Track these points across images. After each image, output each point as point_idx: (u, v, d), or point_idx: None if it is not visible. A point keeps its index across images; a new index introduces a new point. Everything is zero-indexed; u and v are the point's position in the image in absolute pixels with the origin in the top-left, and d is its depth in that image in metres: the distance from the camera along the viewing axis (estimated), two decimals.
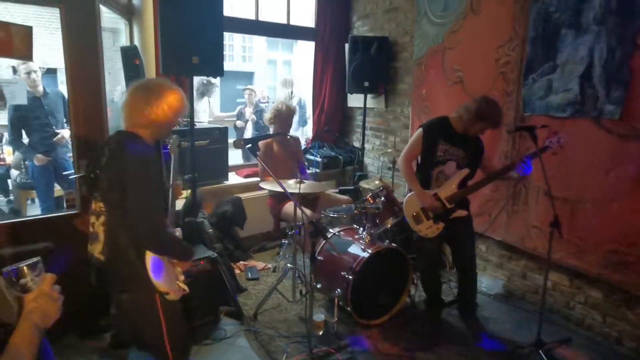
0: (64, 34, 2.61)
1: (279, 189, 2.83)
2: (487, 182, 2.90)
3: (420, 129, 2.88)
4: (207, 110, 6.02)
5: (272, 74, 16.07)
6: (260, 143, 3.83)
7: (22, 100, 3.18)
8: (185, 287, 1.96)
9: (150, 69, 3.48)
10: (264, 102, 6.56)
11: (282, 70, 15.92)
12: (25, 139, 4.06)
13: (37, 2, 2.76)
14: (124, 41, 3.73)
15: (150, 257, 1.77)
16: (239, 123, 6.20)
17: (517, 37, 3.27)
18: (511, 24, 3.30)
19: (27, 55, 2.52)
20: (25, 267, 1.08)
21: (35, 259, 1.11)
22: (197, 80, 5.01)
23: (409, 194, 2.97)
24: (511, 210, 3.43)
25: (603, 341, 2.97)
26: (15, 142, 4.08)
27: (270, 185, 3.28)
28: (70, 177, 2.76)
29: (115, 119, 3.29)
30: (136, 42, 3.70)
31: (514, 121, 3.29)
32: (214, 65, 2.90)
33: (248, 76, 15.48)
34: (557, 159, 2.88)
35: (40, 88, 3.84)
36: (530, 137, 2.56)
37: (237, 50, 15.48)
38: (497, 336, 2.98)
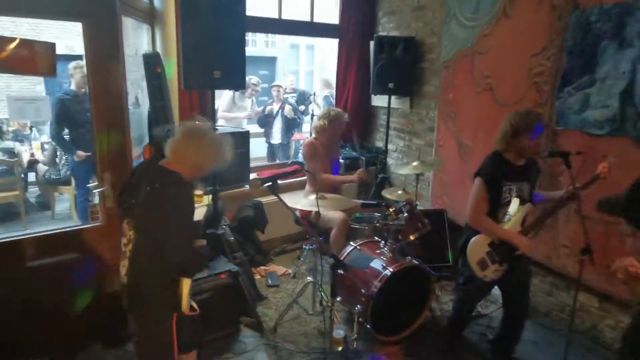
0: (87, 48, 2.58)
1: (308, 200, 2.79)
2: (553, 212, 2.67)
3: (479, 178, 2.57)
4: (248, 108, 5.79)
5: (294, 59, 15.90)
6: (306, 143, 3.74)
7: (47, 116, 3.21)
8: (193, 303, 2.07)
9: (172, 78, 3.45)
10: (290, 93, 6.42)
11: (305, 54, 15.73)
12: (66, 135, 4.20)
13: (60, 17, 2.73)
14: (145, 46, 3.70)
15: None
16: (269, 109, 6.02)
17: (553, 46, 3.09)
18: (547, 31, 3.12)
19: (50, 72, 2.52)
20: None
21: None
22: None
23: (472, 240, 2.62)
24: None
25: None
26: (58, 137, 4.24)
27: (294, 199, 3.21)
28: (93, 190, 2.77)
29: (135, 127, 3.29)
30: (158, 47, 3.67)
31: (546, 135, 3.14)
32: (235, 78, 2.84)
33: (271, 61, 15.35)
34: (588, 177, 2.73)
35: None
36: (564, 164, 2.42)
37: (260, 34, 15.32)
38: (520, 358, 2.92)
